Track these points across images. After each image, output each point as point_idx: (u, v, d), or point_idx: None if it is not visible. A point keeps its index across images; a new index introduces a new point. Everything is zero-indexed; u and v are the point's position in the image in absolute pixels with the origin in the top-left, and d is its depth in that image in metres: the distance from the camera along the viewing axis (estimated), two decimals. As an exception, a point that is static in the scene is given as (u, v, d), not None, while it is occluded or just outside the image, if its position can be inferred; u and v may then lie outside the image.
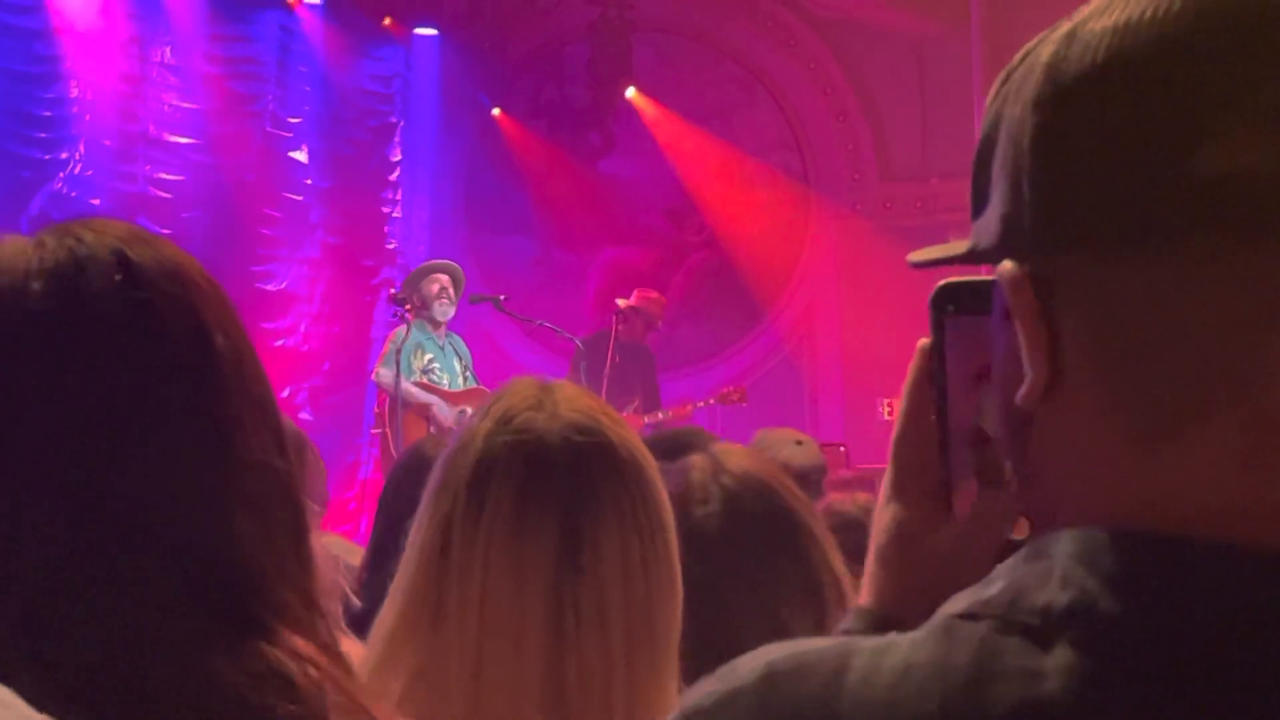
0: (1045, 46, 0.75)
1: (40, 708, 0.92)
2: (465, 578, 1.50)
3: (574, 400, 1.58)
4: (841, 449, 8.12)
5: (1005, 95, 0.77)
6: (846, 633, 1.01)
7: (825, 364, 10.85)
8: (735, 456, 1.96)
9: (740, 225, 10.98)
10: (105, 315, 1.03)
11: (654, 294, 9.08)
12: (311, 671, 1.02)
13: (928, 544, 0.97)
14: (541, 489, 1.51)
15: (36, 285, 1.03)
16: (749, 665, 0.78)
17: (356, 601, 2.62)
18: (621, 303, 8.90)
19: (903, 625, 0.98)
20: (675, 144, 10.96)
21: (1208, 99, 0.69)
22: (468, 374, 8.06)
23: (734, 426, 9.49)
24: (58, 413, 1.01)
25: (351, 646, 1.60)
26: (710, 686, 0.78)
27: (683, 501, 1.88)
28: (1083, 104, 0.71)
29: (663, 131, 10.94)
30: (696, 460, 1.96)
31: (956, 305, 0.90)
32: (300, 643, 1.03)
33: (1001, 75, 0.78)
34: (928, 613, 0.96)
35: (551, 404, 1.56)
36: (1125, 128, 0.70)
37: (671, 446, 2.02)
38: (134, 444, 1.01)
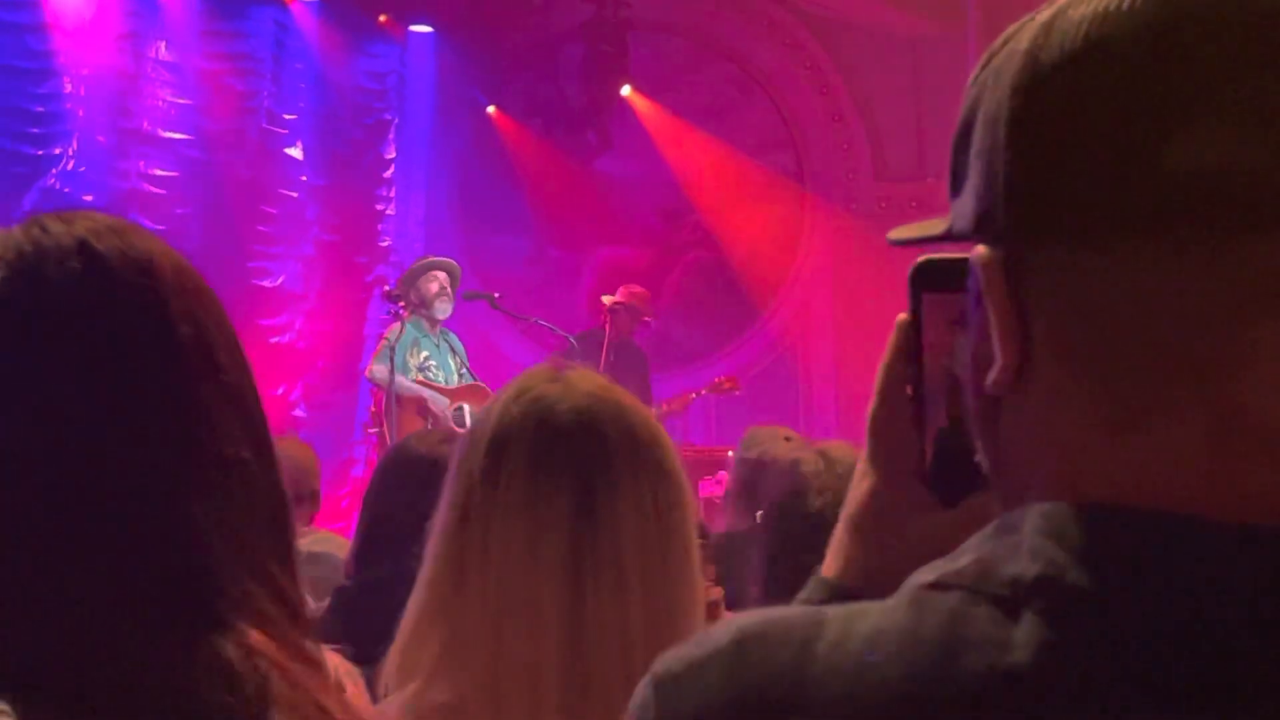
0: (1025, 32, 0.75)
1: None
2: (484, 546, 1.52)
3: (587, 377, 1.62)
4: (836, 448, 8.12)
5: (985, 78, 0.77)
6: (806, 602, 1.02)
7: (819, 363, 10.86)
8: (839, 449, 2.03)
9: (735, 225, 10.99)
10: (61, 302, 1.03)
11: (639, 289, 9.06)
12: (259, 664, 1.02)
13: (902, 522, 0.98)
14: (555, 453, 1.54)
15: None
16: (721, 631, 0.78)
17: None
18: (607, 299, 8.89)
19: (858, 598, 0.99)
20: (671, 143, 10.96)
21: (1181, 92, 0.69)
22: (464, 370, 8.06)
23: (728, 425, 9.49)
24: (10, 399, 1.00)
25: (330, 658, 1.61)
26: (682, 652, 0.80)
27: (800, 494, 1.94)
28: (1058, 92, 0.72)
29: (658, 130, 10.94)
30: (804, 456, 2.02)
31: (935, 282, 0.91)
32: (255, 635, 1.03)
33: (984, 57, 0.79)
34: (890, 590, 0.98)
35: (565, 379, 1.60)
36: (1099, 117, 0.70)
37: None
38: (89, 432, 1.01)
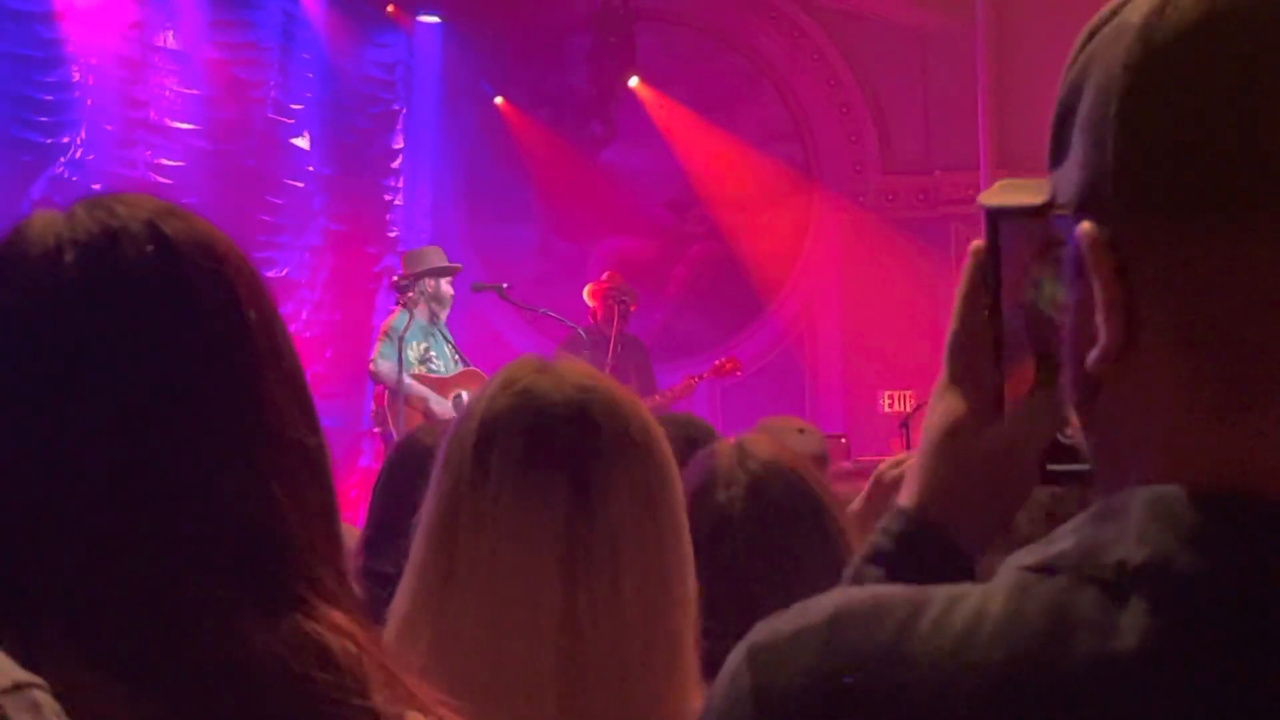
0: (1137, 7, 0.74)
1: (76, 676, 0.93)
2: (475, 541, 1.50)
3: (575, 368, 1.60)
4: (843, 440, 8.11)
5: (1092, 52, 0.76)
6: (884, 531, 1.04)
7: (826, 356, 10.84)
8: (760, 444, 1.99)
9: (742, 216, 10.97)
10: (139, 286, 1.03)
11: (606, 272, 9.10)
12: (348, 644, 1.02)
13: (977, 439, 0.98)
14: (546, 444, 1.52)
15: (69, 256, 1.03)
16: (821, 605, 0.78)
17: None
18: (589, 296, 8.87)
19: (941, 528, 1.00)
20: (678, 134, 10.94)
21: None
22: (457, 358, 8.04)
23: (735, 416, 9.48)
24: (92, 383, 1.00)
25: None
26: (780, 622, 0.79)
27: (708, 486, 1.91)
28: (1173, 68, 0.71)
29: (665, 122, 10.91)
30: (721, 447, 1.99)
31: (1012, 210, 0.90)
32: (337, 615, 1.03)
33: (1086, 30, 0.77)
34: (969, 515, 0.99)
35: (554, 370, 1.58)
36: (1216, 94, 0.69)
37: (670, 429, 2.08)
38: (170, 416, 1.01)
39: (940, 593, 0.75)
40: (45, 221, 1.05)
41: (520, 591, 1.48)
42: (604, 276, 9.06)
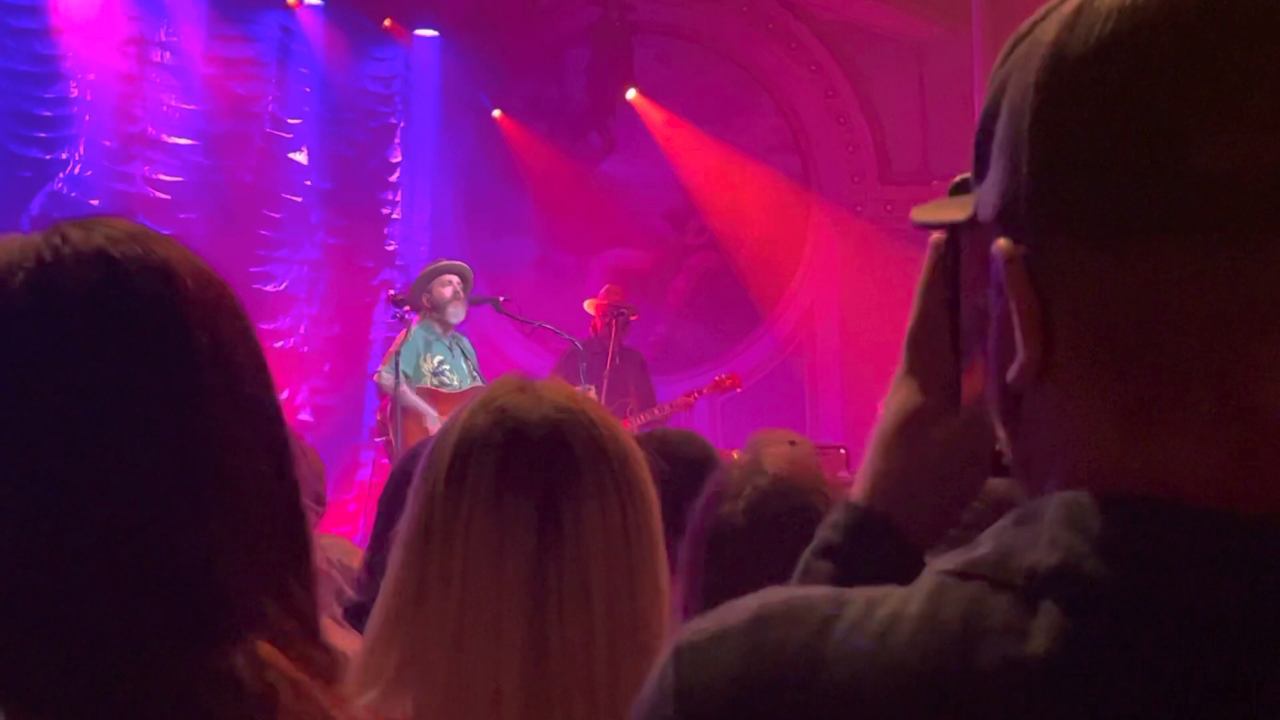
0: (1051, 22, 0.74)
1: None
2: (445, 555, 1.50)
3: (555, 388, 1.59)
4: (841, 451, 8.11)
5: (1010, 67, 0.76)
6: (833, 525, 1.05)
7: (825, 366, 10.84)
8: (777, 459, 1.99)
9: (740, 228, 10.98)
10: (78, 310, 1.02)
11: (606, 286, 9.09)
12: (267, 675, 1.01)
13: (929, 430, 1.00)
14: (520, 464, 1.51)
15: (19, 277, 1.02)
16: (743, 606, 0.79)
17: (351, 593, 2.62)
18: (590, 308, 8.88)
19: (889, 521, 1.01)
20: (676, 146, 10.95)
21: (1208, 91, 0.68)
22: (475, 374, 8.02)
23: (733, 428, 9.48)
24: (28, 406, 1.00)
25: (353, 642, 1.59)
26: (704, 624, 0.79)
27: (716, 499, 1.91)
28: (1082, 86, 0.71)
29: (663, 134, 10.93)
30: (739, 459, 1.99)
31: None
32: (265, 648, 1.02)
33: (1007, 45, 0.78)
34: (918, 507, 1.00)
35: (533, 390, 1.57)
36: (1123, 114, 0.69)
37: (661, 445, 2.07)
38: (104, 442, 1.00)
39: (860, 594, 0.76)
40: (11, 245, 1.05)
41: (487, 608, 1.47)
42: (604, 290, 9.07)
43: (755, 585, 1.62)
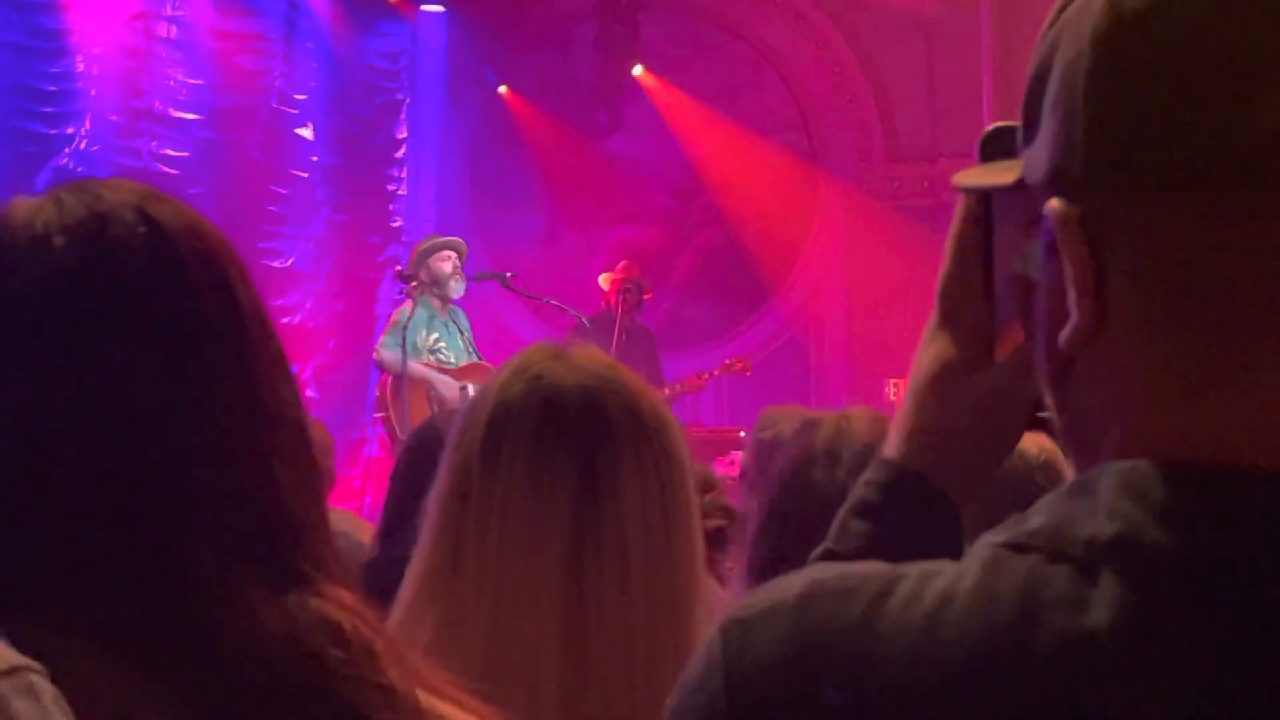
0: None
1: (83, 659, 0.93)
2: (483, 524, 1.49)
3: (590, 354, 1.58)
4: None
5: (1061, 26, 0.75)
6: (869, 483, 1.03)
7: (832, 344, 10.83)
8: (862, 423, 1.99)
9: (747, 205, 10.95)
10: (131, 268, 1.02)
11: (634, 264, 9.06)
12: (358, 622, 1.02)
13: (965, 381, 0.98)
14: (557, 431, 1.50)
15: (60, 240, 1.02)
16: (794, 581, 0.78)
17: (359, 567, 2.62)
18: (606, 279, 8.87)
19: (926, 477, 0.99)
20: (682, 123, 10.92)
21: (1272, 48, 0.67)
22: (470, 349, 8.02)
23: (741, 405, 9.48)
24: (90, 366, 1.00)
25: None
26: (755, 598, 0.78)
27: (800, 468, 1.90)
28: (1142, 42, 0.70)
29: (670, 110, 10.90)
30: (822, 427, 1.98)
31: (1006, 150, 0.88)
32: (345, 594, 1.03)
33: (1056, 6, 0.76)
34: (954, 462, 0.99)
35: (568, 357, 1.56)
36: (1185, 70, 0.68)
37: None
38: (170, 396, 1.00)
39: (913, 569, 0.75)
40: (29, 208, 1.04)
41: (526, 578, 1.47)
42: (621, 265, 9.02)
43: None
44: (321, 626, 1.00)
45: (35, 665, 0.89)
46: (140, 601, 0.98)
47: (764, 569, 1.96)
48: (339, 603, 1.02)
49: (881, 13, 10.63)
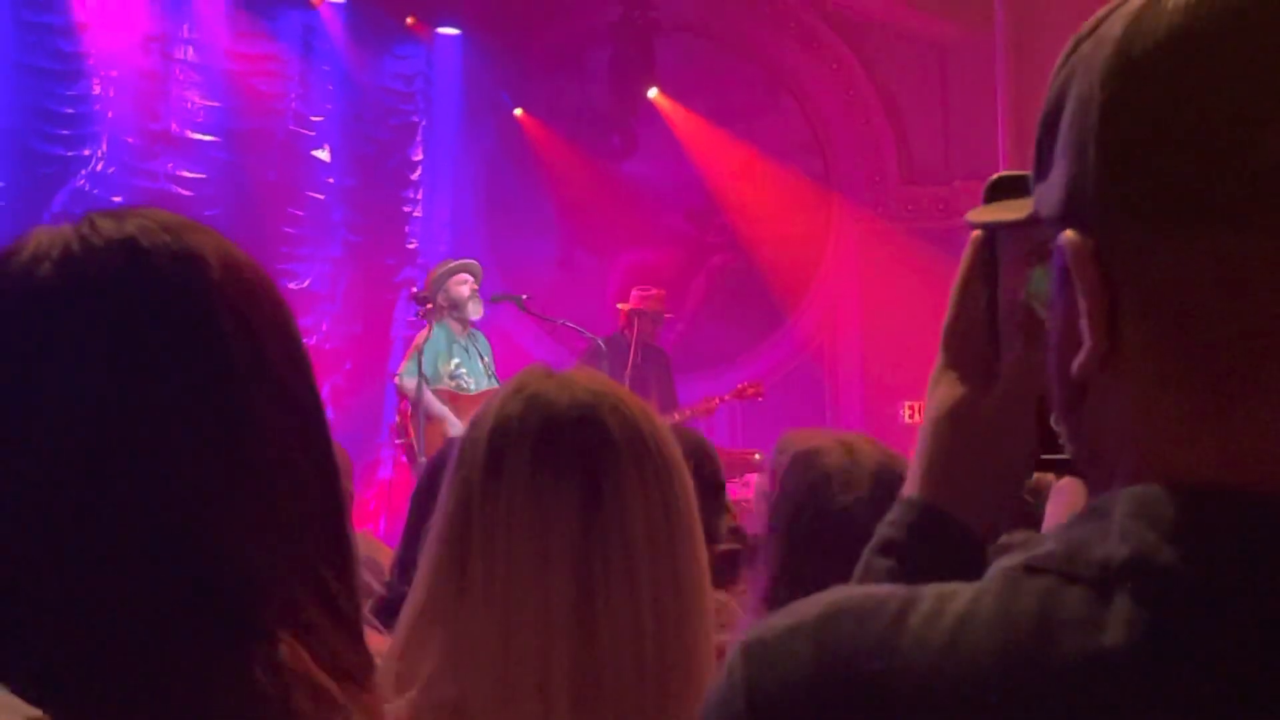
0: (1117, 19, 0.75)
1: (35, 703, 0.91)
2: (487, 546, 1.49)
3: (583, 374, 1.60)
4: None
5: (1074, 65, 0.77)
6: (893, 524, 1.05)
7: (846, 367, 10.82)
8: (867, 444, 2.01)
9: (762, 227, 10.96)
10: (102, 301, 1.01)
11: (653, 289, 9.03)
12: (284, 677, 0.99)
13: (975, 416, 1.01)
14: (557, 447, 1.51)
15: (45, 266, 1.02)
16: (813, 603, 0.79)
17: (380, 589, 2.62)
18: (623, 306, 8.88)
19: (950, 512, 1.02)
20: (697, 145, 10.94)
21: (1272, 89, 0.69)
22: (491, 375, 8.00)
23: (755, 428, 9.48)
24: (49, 398, 0.99)
25: (381, 641, 1.59)
26: (775, 620, 0.80)
27: (822, 488, 1.92)
28: (1151, 81, 0.72)
29: (685, 133, 10.92)
30: (825, 446, 2.00)
31: (1010, 195, 0.92)
32: (288, 649, 1.00)
33: (1070, 43, 0.79)
34: (973, 494, 1.01)
35: (562, 376, 1.58)
36: (1195, 106, 0.70)
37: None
38: (132, 428, 0.99)
39: (931, 590, 0.76)
40: (41, 234, 1.05)
41: (534, 598, 1.47)
42: (650, 290, 8.98)
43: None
44: (241, 686, 0.97)
45: (43, 717, 0.89)
46: (80, 649, 0.96)
47: (780, 590, 1.97)
48: (275, 660, 0.99)
49: (896, 36, 10.65)
